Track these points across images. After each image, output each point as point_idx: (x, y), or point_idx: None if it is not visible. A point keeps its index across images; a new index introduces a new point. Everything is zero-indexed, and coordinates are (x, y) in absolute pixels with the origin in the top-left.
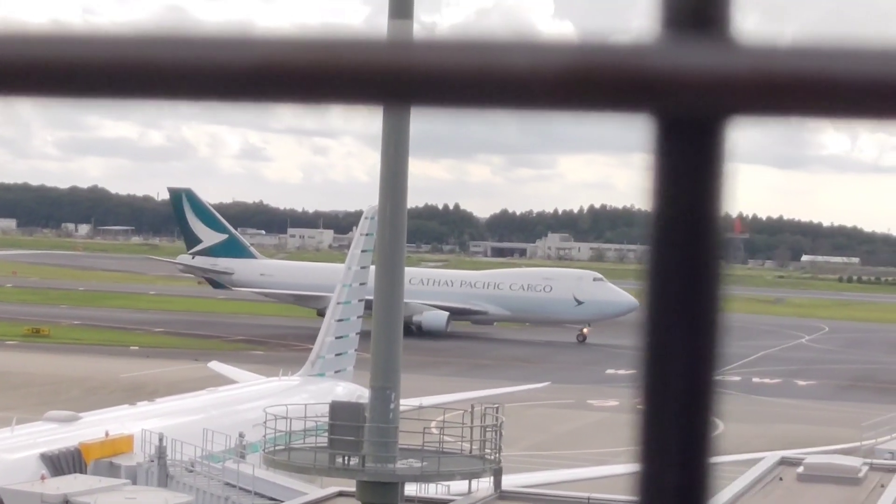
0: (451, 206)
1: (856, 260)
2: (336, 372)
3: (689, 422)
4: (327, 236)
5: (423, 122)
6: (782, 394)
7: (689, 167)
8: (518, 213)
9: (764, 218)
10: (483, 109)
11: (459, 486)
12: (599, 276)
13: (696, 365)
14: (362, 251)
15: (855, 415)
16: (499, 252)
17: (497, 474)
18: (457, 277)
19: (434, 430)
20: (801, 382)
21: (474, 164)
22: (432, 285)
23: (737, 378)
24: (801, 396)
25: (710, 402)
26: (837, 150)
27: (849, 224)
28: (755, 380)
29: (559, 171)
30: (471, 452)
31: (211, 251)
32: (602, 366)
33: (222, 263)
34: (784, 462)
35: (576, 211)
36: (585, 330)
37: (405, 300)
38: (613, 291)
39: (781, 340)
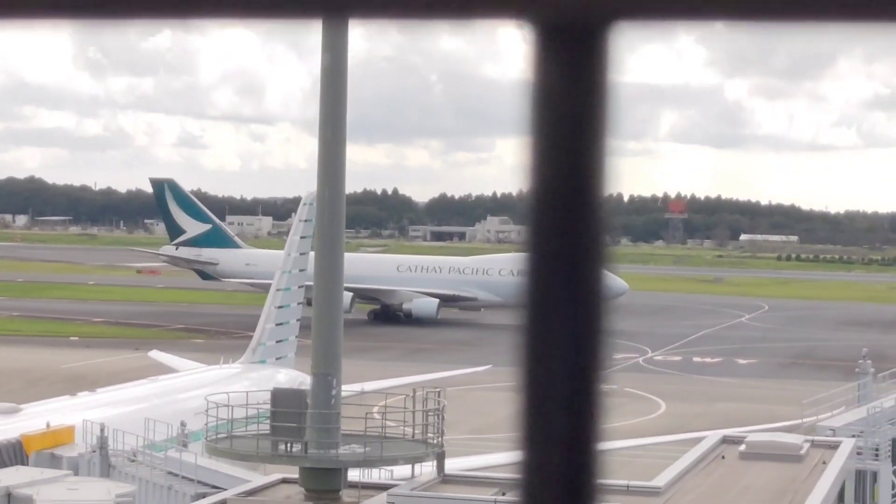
0: (389, 191)
1: (794, 238)
2: (277, 359)
3: (573, 405)
4: (266, 223)
5: (361, 107)
6: (723, 373)
7: (570, 77)
8: (457, 196)
9: (702, 198)
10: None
11: (403, 470)
12: None
13: (579, 340)
14: (301, 237)
15: (796, 392)
16: (438, 236)
17: (440, 458)
18: (445, 264)
19: (376, 416)
20: (741, 361)
21: (412, 148)
22: (420, 272)
23: (678, 357)
24: (741, 375)
25: (595, 385)
26: (774, 128)
27: (786, 202)
28: (696, 359)
29: (497, 153)
30: (413, 437)
31: (195, 241)
32: None
33: (206, 254)
34: (726, 441)
35: (515, 194)
36: None
37: (394, 288)
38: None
39: (721, 319)
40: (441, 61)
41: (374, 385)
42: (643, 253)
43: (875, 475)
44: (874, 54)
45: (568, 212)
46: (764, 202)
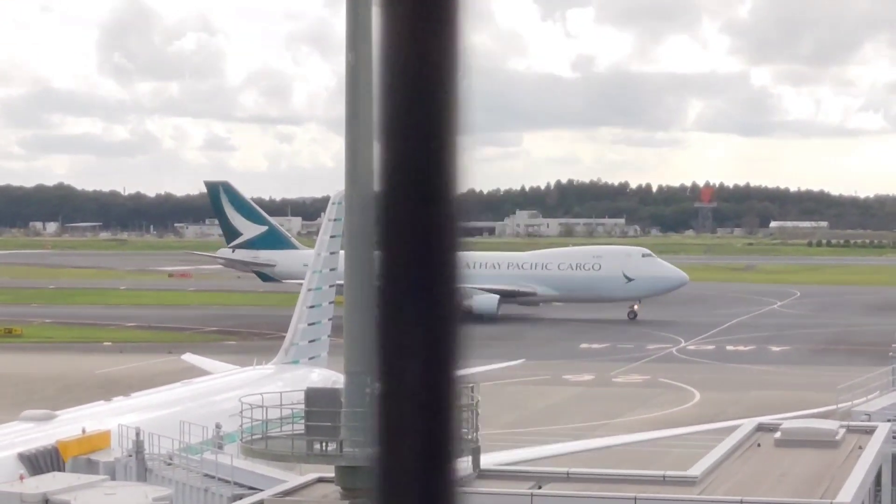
0: None
1: (824, 224)
2: (310, 358)
3: (430, 397)
4: (296, 223)
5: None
6: (756, 360)
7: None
8: (485, 191)
9: (731, 186)
10: None
11: None
12: (648, 251)
13: (434, 333)
14: (331, 237)
15: (830, 378)
16: (468, 232)
17: (475, 453)
18: (503, 259)
19: None
20: (774, 348)
21: None
22: (478, 268)
23: (711, 346)
24: (775, 362)
25: (451, 375)
26: (801, 114)
27: (815, 188)
28: (729, 347)
29: (524, 147)
30: None
31: (251, 244)
32: (576, 340)
33: (263, 255)
34: (761, 428)
35: (543, 187)
36: (636, 307)
37: None
38: (663, 266)
39: (754, 307)
40: (467, 56)
41: None
42: (673, 243)
43: None
44: None
45: (418, 207)
46: (793, 189)
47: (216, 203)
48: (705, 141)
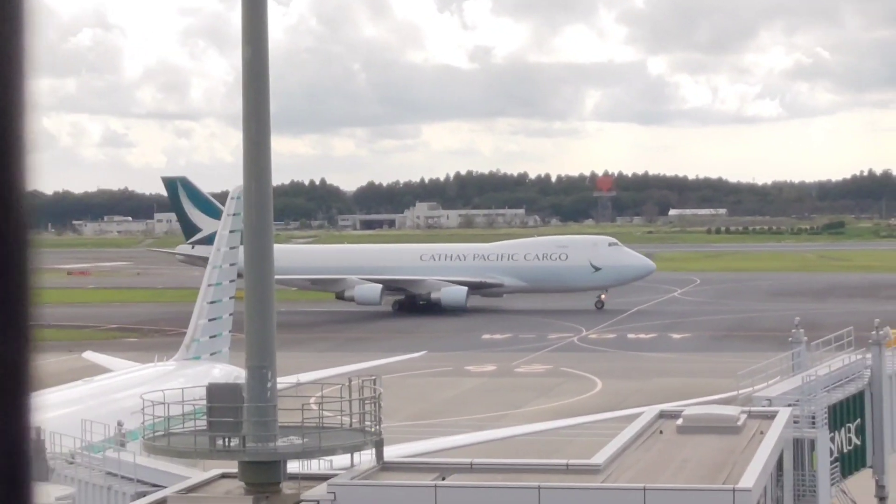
0: (317, 182)
1: (723, 211)
2: (212, 354)
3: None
4: None
5: (285, 99)
6: (658, 348)
7: None
8: (385, 184)
9: (629, 175)
10: None
11: (342, 460)
12: (614, 240)
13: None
14: (231, 231)
15: (731, 364)
16: (368, 224)
17: (378, 446)
18: (469, 251)
19: (313, 406)
20: (675, 336)
21: (338, 137)
22: (444, 260)
23: (612, 335)
24: (676, 349)
25: (24, 374)
26: (699, 102)
27: (714, 176)
28: (630, 336)
29: (423, 139)
30: (351, 426)
31: (211, 239)
32: (477, 331)
33: None
34: (663, 415)
35: (442, 179)
36: (603, 296)
37: (421, 277)
38: (630, 255)
39: (654, 295)
40: (363, 49)
41: (310, 376)
42: (573, 231)
43: (813, 443)
44: (795, 24)
45: None
46: (691, 177)
47: (174, 198)
48: (604, 130)
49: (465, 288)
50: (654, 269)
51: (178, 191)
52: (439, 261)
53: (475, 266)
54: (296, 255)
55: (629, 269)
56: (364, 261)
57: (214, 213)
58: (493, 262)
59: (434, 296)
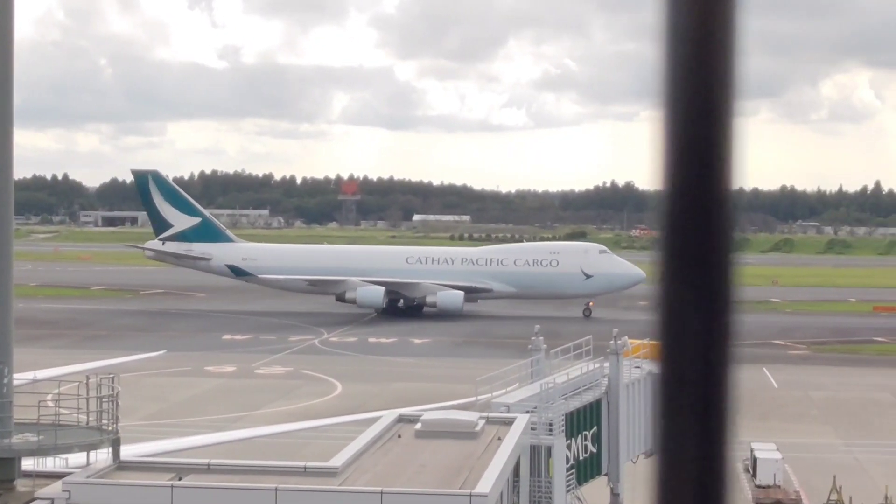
0: (59, 177)
1: (467, 218)
2: None
3: None
4: None
5: (29, 92)
6: (398, 352)
7: None
8: (129, 181)
9: (375, 179)
10: None
11: (78, 458)
12: (605, 248)
13: None
14: None
15: (470, 370)
16: (110, 221)
17: (115, 445)
18: (457, 254)
19: (50, 403)
20: (416, 340)
21: (83, 132)
22: (431, 263)
23: (353, 338)
24: (417, 354)
25: None
26: (446, 109)
27: (459, 182)
28: (371, 339)
29: (169, 137)
30: (88, 424)
31: (183, 236)
32: (218, 332)
33: (198, 248)
34: (402, 419)
35: (186, 178)
36: (591, 304)
37: (416, 281)
38: (620, 263)
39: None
40: (111, 44)
41: (47, 373)
42: (317, 235)
43: (549, 449)
44: (544, 35)
45: None
46: (436, 182)
47: (144, 193)
48: (351, 134)
49: (462, 293)
50: (644, 277)
51: (149, 185)
52: (426, 264)
53: (464, 270)
54: (265, 253)
55: (619, 277)
56: (354, 262)
57: (188, 210)
58: (482, 267)
59: (430, 299)
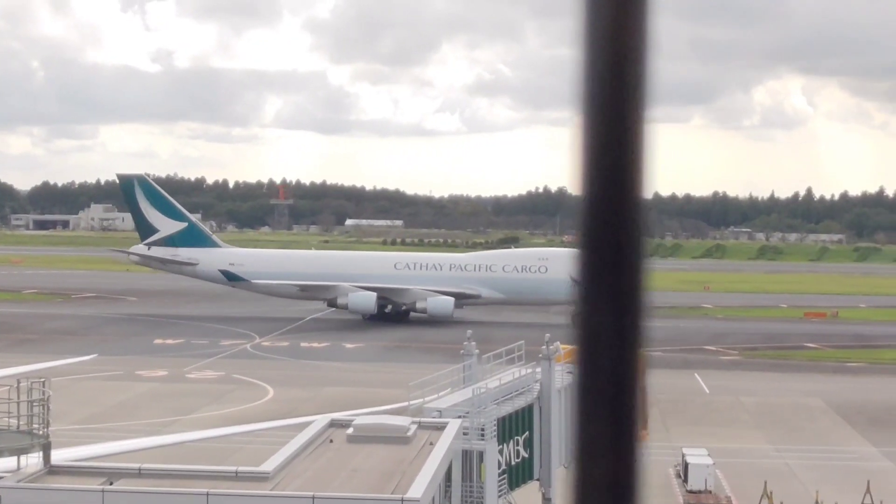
0: None
1: (399, 222)
2: None
3: None
4: None
5: None
6: (331, 357)
7: None
8: (60, 184)
9: (307, 183)
10: None
11: (8, 462)
12: None
13: None
14: None
15: (402, 375)
16: (41, 224)
17: (46, 449)
18: (445, 260)
19: None
20: (348, 345)
21: (14, 135)
22: (419, 269)
23: (285, 343)
24: (349, 359)
25: None
26: (379, 114)
27: (391, 187)
28: (303, 344)
29: (101, 140)
30: (18, 428)
31: (170, 241)
32: (150, 335)
33: (184, 253)
34: (334, 424)
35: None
36: None
37: (406, 287)
38: None
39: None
40: (43, 46)
41: None
42: (249, 239)
43: (481, 454)
44: (477, 40)
45: None
46: (369, 187)
47: (129, 197)
48: (284, 138)
49: (452, 298)
50: None
51: (135, 189)
52: (414, 270)
53: (452, 276)
54: (253, 258)
55: None
56: (342, 268)
57: (174, 214)
58: (470, 273)
59: (420, 305)
